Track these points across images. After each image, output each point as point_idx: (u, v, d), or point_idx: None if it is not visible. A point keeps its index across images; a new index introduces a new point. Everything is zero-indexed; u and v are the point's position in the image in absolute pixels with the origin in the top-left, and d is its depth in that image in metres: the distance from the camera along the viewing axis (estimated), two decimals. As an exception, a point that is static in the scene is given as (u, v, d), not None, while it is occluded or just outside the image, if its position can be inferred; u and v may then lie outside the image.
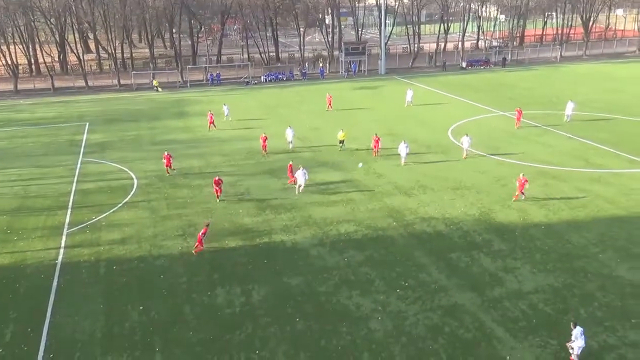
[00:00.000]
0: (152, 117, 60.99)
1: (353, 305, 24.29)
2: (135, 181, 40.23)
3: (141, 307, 24.48)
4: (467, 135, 43.65)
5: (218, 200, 35.93)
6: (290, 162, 39.14)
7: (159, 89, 78.06)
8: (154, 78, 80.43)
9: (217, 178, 36.21)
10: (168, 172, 41.29)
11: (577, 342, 19.93)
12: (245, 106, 65.59)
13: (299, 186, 36.72)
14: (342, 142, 46.13)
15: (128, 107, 67.58)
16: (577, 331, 20.01)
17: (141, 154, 46.89)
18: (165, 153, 41.53)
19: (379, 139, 44.16)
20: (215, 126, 53.69)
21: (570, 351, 20.26)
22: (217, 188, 35.96)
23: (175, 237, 31.26)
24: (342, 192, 37.18)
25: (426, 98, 66.61)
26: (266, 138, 45.94)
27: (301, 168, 36.49)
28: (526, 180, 34.06)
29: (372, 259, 28.31)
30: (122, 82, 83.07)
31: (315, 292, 25.42)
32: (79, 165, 44.58)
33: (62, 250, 29.97)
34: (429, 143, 47.79)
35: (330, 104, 62.37)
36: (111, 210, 35.11)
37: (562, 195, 35.55)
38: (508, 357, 20.70)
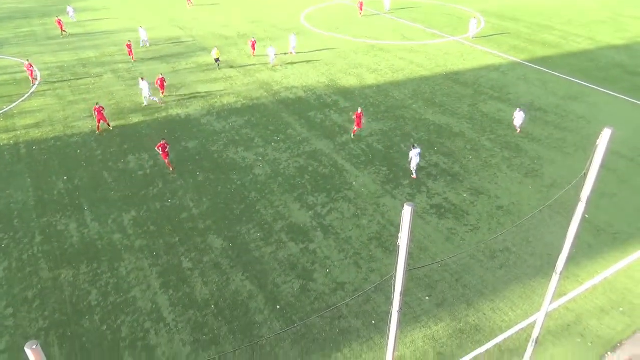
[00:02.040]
0: (42, 14, 52.24)
1: (240, 159, 24.38)
2: (38, 73, 35.34)
3: (65, 177, 22.83)
4: (271, 46, 36.63)
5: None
6: (161, 75, 31.11)
7: None
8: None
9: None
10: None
11: (414, 159, 21.98)
12: (131, 2, 58.14)
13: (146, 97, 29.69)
14: (217, 60, 35.31)
15: (17, 5, 57.21)
16: (413, 152, 21.89)
17: (39, 49, 40.74)
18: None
19: (255, 41, 37.90)
20: (66, 31, 43.89)
21: (412, 171, 22.34)
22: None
23: (84, 118, 28.57)
24: (221, 71, 35.48)
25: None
26: (130, 45, 37.36)
27: (142, 79, 29.52)
28: (361, 114, 25.39)
29: (250, 122, 28.05)
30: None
31: (209, 151, 25.05)
32: (-20, 62, 38.04)
33: (-19, 138, 26.47)
34: (286, 27, 46.08)
35: (189, 1, 54.60)
36: (20, 100, 30.97)
37: (387, 63, 36.66)
38: (354, 183, 22.30)
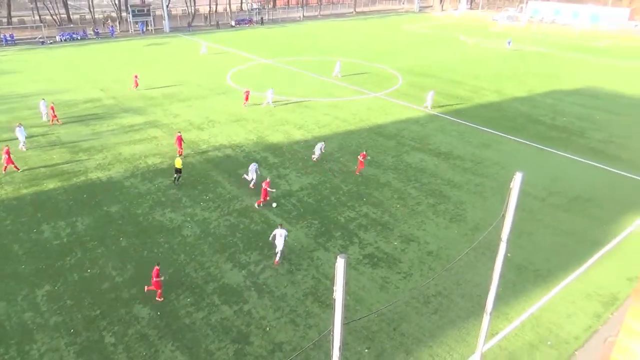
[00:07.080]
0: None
1: (167, 220, 23.45)
2: (-61, 140, 32.55)
3: (-32, 253, 20.67)
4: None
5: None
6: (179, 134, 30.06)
7: None
8: None
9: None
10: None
11: (279, 240, 19.99)
12: (47, 63, 56.23)
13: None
14: (178, 171, 26.80)
15: None
16: (279, 231, 20.04)
17: (-60, 114, 37.83)
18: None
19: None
20: None
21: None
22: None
23: (-8, 186, 26.46)
24: (145, 132, 34.70)
25: (207, 50, 63.95)
26: (54, 108, 35.62)
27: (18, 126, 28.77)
28: (364, 157, 28.21)
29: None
30: None
31: (133, 215, 23.90)
32: None
33: None
34: (212, 87, 46.49)
35: (136, 83, 45.49)
36: None
37: (313, 119, 37.72)
38: (286, 238, 22.03)
